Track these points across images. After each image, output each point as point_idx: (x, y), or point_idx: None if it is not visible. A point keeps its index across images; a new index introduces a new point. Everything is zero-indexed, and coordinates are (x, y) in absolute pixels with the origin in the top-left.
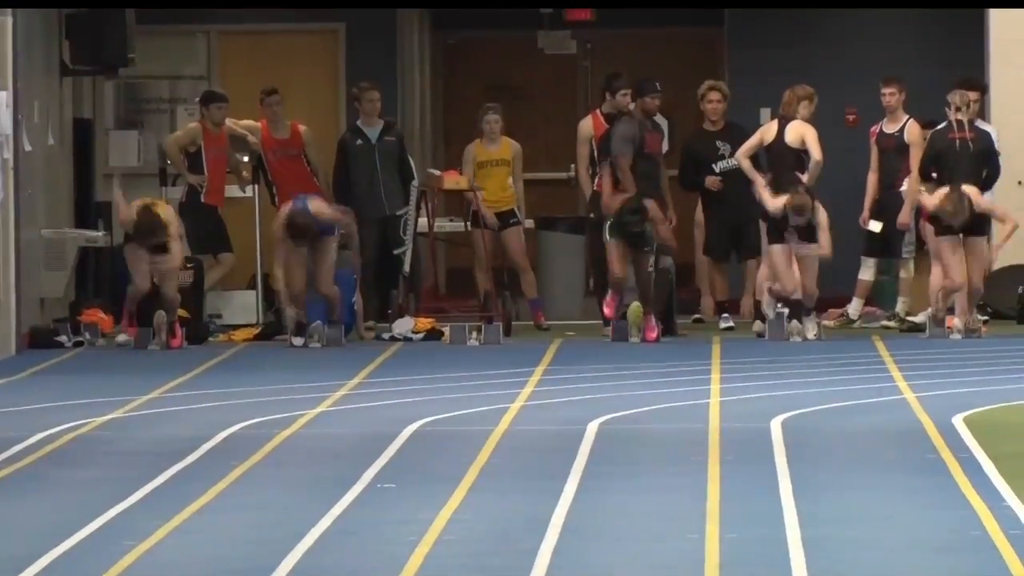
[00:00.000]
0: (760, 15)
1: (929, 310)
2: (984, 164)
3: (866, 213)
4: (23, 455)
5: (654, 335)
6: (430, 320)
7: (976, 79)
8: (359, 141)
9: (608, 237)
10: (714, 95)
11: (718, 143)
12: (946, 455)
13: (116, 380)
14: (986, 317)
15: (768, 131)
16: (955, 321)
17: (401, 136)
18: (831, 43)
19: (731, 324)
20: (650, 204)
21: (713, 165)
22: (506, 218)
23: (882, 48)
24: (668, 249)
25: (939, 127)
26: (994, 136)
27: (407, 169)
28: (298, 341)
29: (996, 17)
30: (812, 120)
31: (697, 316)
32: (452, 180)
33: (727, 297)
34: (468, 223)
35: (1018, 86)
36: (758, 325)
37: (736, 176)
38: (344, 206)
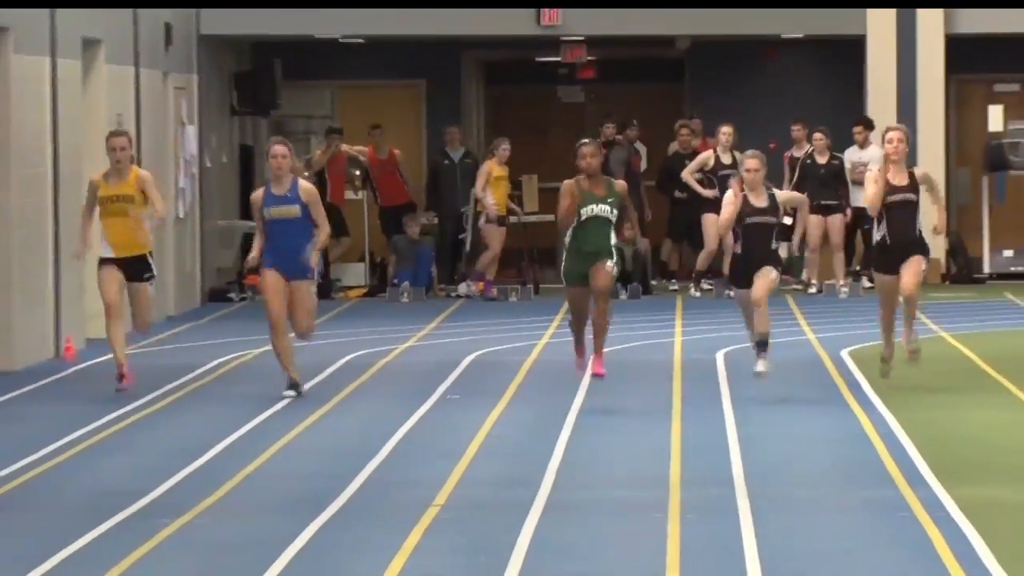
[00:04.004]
0: (710, 75)
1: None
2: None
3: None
4: (203, 376)
5: (602, 370)
6: (481, 284)
7: (864, 117)
8: (446, 161)
9: (564, 281)
10: (684, 131)
11: (686, 162)
12: (837, 379)
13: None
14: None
15: (709, 160)
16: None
17: (476, 160)
18: (760, 93)
19: (676, 287)
20: (621, 184)
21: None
22: (504, 218)
23: (794, 97)
24: (632, 242)
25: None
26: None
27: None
28: (289, 393)
29: (871, 75)
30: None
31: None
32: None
33: (678, 268)
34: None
35: (887, 118)
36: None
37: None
38: (432, 205)
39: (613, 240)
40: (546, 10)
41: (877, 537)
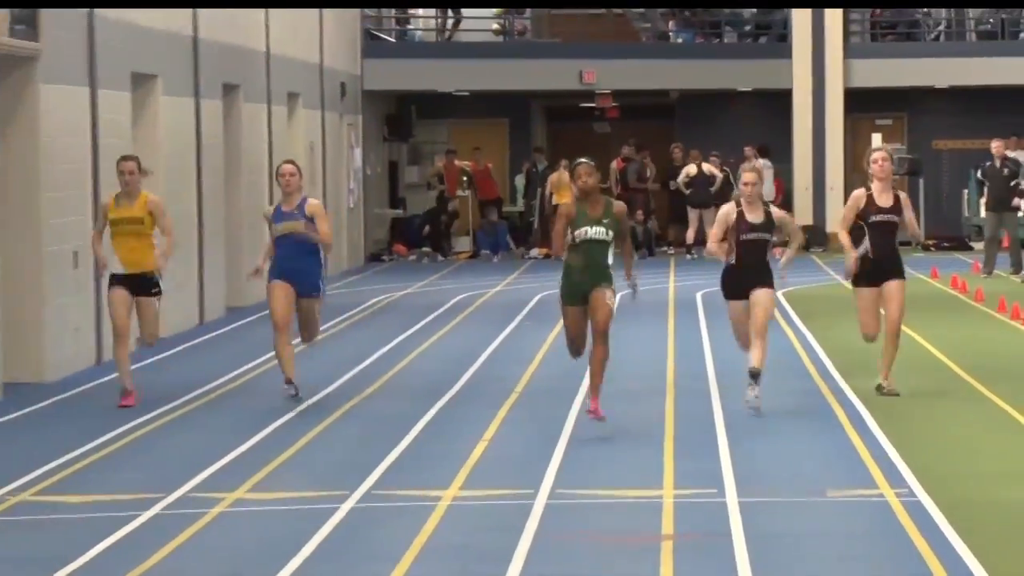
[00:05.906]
0: (692, 115)
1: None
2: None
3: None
4: (366, 310)
5: (596, 408)
6: (546, 249)
7: (763, 145)
8: (534, 169)
9: (561, 301)
10: (676, 150)
11: (676, 168)
12: (776, 312)
13: (409, 276)
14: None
15: (692, 170)
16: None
17: (555, 170)
18: (724, 127)
19: (672, 252)
20: (620, 206)
21: (673, 180)
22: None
23: (746, 130)
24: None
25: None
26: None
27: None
28: (288, 389)
29: (796, 116)
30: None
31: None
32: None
33: (673, 239)
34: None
35: (806, 143)
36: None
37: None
38: (525, 195)
39: (611, 261)
40: (586, 71)
41: (799, 410)
